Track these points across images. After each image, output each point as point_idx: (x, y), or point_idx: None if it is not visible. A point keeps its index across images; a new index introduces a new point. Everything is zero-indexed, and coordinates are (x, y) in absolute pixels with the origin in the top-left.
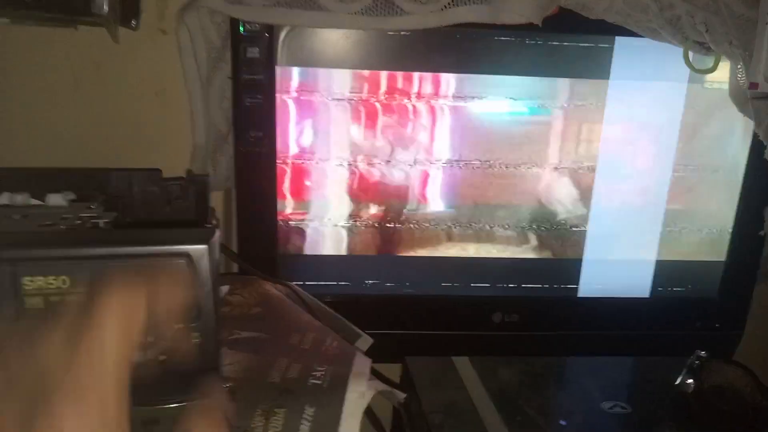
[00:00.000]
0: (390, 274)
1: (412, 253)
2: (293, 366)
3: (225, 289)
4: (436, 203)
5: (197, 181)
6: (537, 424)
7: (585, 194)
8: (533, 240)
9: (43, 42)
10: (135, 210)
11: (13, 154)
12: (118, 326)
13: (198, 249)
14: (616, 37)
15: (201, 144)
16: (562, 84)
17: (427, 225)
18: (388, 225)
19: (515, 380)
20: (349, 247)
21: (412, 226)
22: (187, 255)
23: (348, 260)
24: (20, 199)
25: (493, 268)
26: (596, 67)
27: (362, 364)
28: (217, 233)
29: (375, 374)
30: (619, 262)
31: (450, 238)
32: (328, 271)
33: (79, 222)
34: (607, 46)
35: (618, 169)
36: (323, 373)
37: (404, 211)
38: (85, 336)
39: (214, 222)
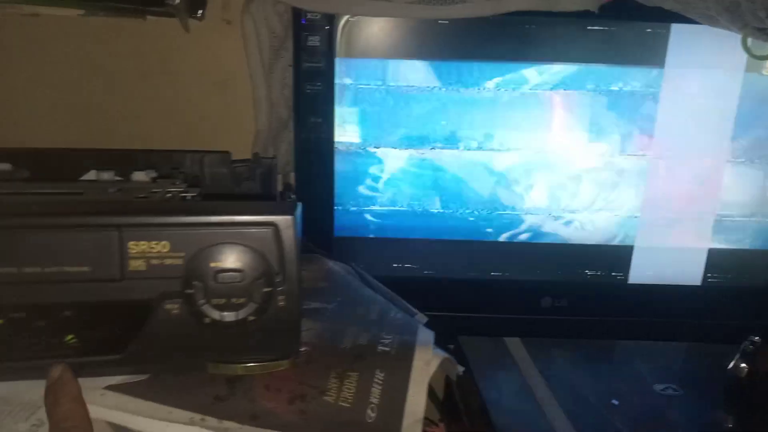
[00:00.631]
0: (442, 258)
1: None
2: (363, 334)
3: None
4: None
5: (264, 163)
6: (589, 403)
7: (637, 182)
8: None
9: (113, 32)
10: (206, 189)
11: (83, 138)
12: None
13: (284, 219)
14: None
15: (263, 130)
16: (615, 71)
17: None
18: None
19: (567, 361)
20: (402, 231)
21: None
22: (274, 224)
23: (402, 244)
24: (106, 176)
25: (544, 254)
26: (651, 54)
27: (426, 335)
28: (300, 206)
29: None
30: (670, 249)
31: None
32: (382, 254)
33: (169, 195)
34: (662, 32)
35: (671, 157)
36: (391, 340)
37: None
38: None
39: (293, 197)
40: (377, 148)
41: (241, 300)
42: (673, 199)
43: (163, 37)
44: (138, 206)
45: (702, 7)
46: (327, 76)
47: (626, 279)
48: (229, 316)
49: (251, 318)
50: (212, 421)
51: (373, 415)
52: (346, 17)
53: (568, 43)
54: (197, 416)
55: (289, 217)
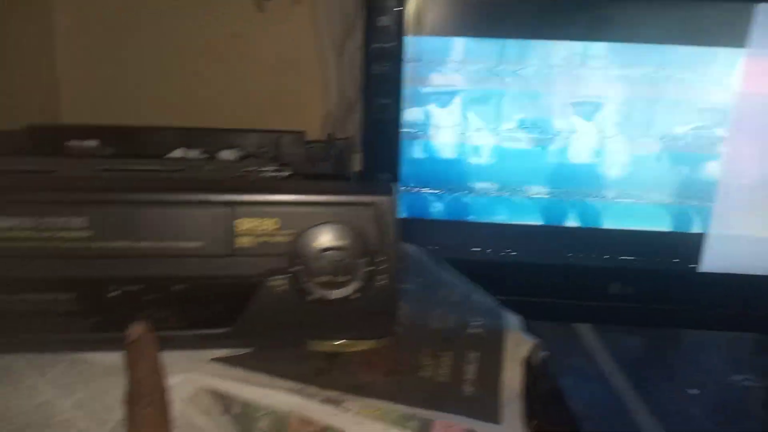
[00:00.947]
0: (509, 242)
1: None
2: (450, 316)
3: None
4: None
5: (339, 144)
6: (668, 392)
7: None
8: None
9: (179, 11)
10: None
11: (157, 116)
12: None
13: (384, 199)
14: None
15: (332, 111)
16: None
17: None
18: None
19: (640, 349)
20: (468, 215)
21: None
22: (375, 204)
23: (468, 227)
24: (192, 154)
25: (612, 240)
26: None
27: (513, 319)
28: (397, 187)
29: None
30: (744, 237)
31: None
32: (448, 237)
33: (262, 174)
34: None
35: (747, 144)
36: (480, 323)
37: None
38: None
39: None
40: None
41: (345, 278)
42: (749, 185)
43: (228, 16)
44: (249, 184)
45: None
46: (396, 57)
47: (696, 267)
48: (333, 293)
49: (353, 296)
50: (314, 389)
51: (471, 389)
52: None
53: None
54: (300, 385)
55: (388, 197)
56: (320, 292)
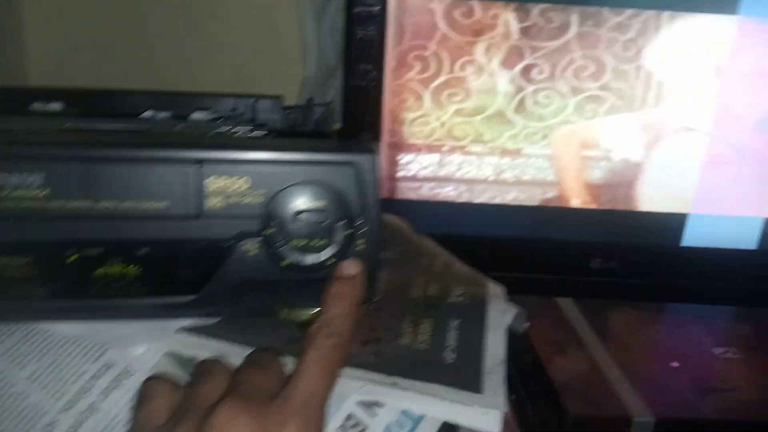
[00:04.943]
0: (493, 220)
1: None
2: (431, 285)
3: None
4: None
5: (319, 109)
6: (649, 364)
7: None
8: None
9: None
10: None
11: (133, 80)
12: None
13: (365, 158)
14: None
15: (311, 77)
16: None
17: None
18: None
19: (621, 322)
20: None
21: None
22: (356, 164)
23: (454, 206)
24: (163, 116)
25: (595, 218)
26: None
27: (496, 286)
28: (379, 146)
29: None
30: (726, 217)
31: None
32: (433, 215)
33: (237, 133)
34: None
35: (733, 123)
36: (462, 292)
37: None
38: None
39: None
40: None
41: (322, 242)
42: (730, 165)
43: None
44: (219, 141)
45: None
46: (380, 21)
47: (678, 242)
48: (308, 258)
49: (330, 262)
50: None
51: (453, 355)
52: None
53: None
54: None
55: (371, 156)
56: (294, 257)
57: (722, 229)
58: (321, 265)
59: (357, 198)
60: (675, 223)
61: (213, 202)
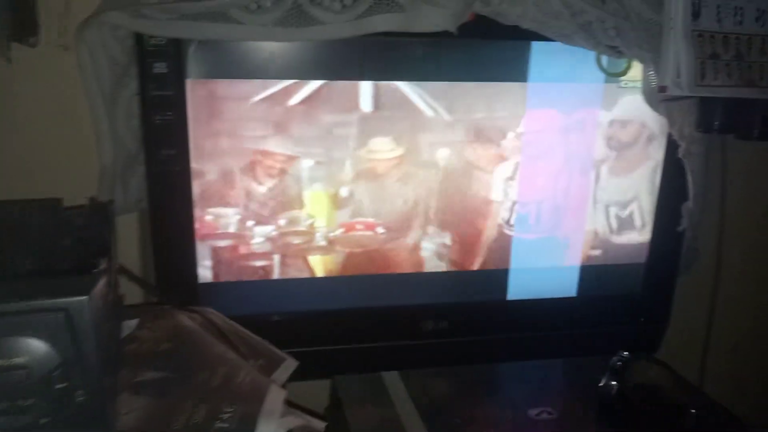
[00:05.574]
0: (315, 294)
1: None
2: (199, 408)
3: (134, 323)
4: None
5: (101, 208)
6: None
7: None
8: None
9: None
10: (33, 243)
11: None
12: None
13: (77, 301)
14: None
15: (108, 165)
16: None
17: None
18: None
19: (444, 392)
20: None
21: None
22: (64, 309)
23: (273, 284)
24: None
25: (424, 282)
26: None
27: (275, 399)
28: (102, 280)
29: (293, 404)
30: (544, 269)
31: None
32: (252, 295)
33: None
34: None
35: (538, 172)
36: (231, 414)
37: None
38: None
39: (106, 261)
40: None
41: (29, 401)
42: (542, 216)
43: None
44: None
45: (557, 26)
46: (178, 104)
47: (504, 296)
48: (12, 421)
49: (44, 421)
50: None
51: None
52: (197, 40)
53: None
54: None
55: (83, 298)
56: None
57: (544, 280)
58: (32, 426)
59: (71, 345)
60: (499, 278)
61: None
